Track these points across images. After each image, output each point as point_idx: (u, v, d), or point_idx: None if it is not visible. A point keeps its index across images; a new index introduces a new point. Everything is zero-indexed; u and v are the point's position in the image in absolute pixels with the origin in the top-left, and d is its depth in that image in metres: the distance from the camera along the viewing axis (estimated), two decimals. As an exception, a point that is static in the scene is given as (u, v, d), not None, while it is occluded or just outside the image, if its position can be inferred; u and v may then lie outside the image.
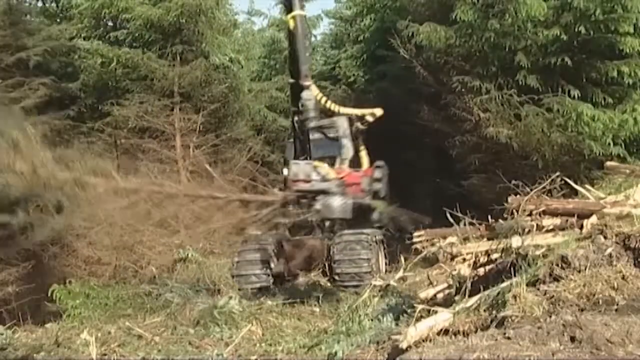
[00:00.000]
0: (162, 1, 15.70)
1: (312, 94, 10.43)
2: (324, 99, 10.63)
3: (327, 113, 11.60)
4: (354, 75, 18.74)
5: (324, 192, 10.32)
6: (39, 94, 13.06)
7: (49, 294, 11.84)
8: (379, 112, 10.94)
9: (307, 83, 10.30)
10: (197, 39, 16.15)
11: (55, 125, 13.71)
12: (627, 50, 11.47)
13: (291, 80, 11.26)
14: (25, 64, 13.62)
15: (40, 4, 19.24)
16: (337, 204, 10.31)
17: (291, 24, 10.39)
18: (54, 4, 19.13)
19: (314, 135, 11.86)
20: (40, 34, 14.57)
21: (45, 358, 7.43)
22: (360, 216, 10.77)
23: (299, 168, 10.66)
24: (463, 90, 12.63)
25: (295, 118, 11.48)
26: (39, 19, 17.69)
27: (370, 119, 10.94)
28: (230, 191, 9.57)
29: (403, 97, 15.37)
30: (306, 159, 11.74)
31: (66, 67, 16.91)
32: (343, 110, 10.91)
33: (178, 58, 15.80)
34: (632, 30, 11.32)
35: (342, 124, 10.89)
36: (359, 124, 10.94)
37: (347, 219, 10.58)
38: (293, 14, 10.33)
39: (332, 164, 12.19)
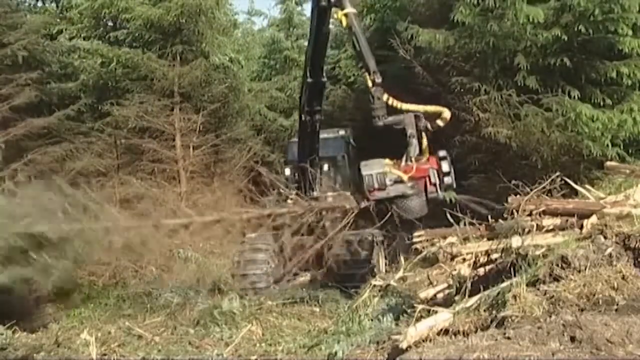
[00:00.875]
0: (162, 1, 15.71)
1: (382, 90, 10.29)
2: (388, 96, 10.54)
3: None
4: (354, 75, 18.70)
5: (401, 197, 10.44)
6: (29, 91, 12.93)
7: (50, 294, 11.83)
8: (447, 113, 10.74)
9: (378, 80, 10.16)
10: (197, 39, 16.17)
11: (53, 124, 13.67)
12: (626, 51, 11.48)
13: (310, 80, 11.15)
14: (11, 60, 13.50)
15: (40, 4, 19.28)
16: (415, 204, 10.46)
17: (344, 22, 10.30)
18: (53, 4, 19.14)
19: (321, 135, 11.86)
20: (22, 28, 14.43)
21: (45, 358, 7.44)
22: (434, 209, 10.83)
23: (372, 178, 10.74)
24: (462, 90, 12.64)
25: (308, 118, 11.42)
26: (26, 14, 17.62)
27: (440, 124, 10.81)
28: (307, 204, 10.10)
29: (403, 98, 15.34)
30: (314, 158, 11.76)
31: (66, 67, 16.91)
32: (406, 107, 10.75)
33: (178, 58, 15.82)
34: (631, 31, 11.33)
35: (410, 121, 10.76)
36: (428, 125, 10.81)
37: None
38: (345, 11, 10.20)
39: (335, 164, 12.21)
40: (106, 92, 16.57)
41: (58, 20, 17.86)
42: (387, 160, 10.93)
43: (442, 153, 11.25)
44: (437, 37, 12.85)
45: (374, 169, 10.95)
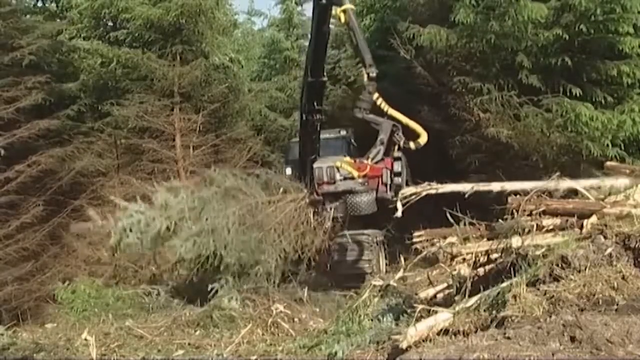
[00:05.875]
0: (162, 1, 15.70)
1: (375, 86, 10.32)
2: (379, 96, 10.56)
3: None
4: (354, 75, 18.68)
5: (350, 192, 10.42)
6: (35, 94, 12.95)
7: (50, 294, 11.84)
8: (424, 140, 10.74)
9: (373, 74, 10.15)
10: (197, 39, 16.15)
11: (54, 125, 13.65)
12: (627, 50, 11.49)
13: (310, 79, 11.16)
14: (20, 63, 13.51)
15: (40, 3, 19.26)
16: (363, 201, 10.43)
17: (342, 18, 10.35)
18: (54, 4, 19.13)
19: (323, 135, 11.87)
20: (34, 32, 14.46)
21: (45, 358, 7.44)
22: (383, 209, 10.82)
23: (322, 171, 10.73)
24: (463, 90, 12.64)
25: (309, 117, 11.42)
26: (34, 17, 17.64)
27: (413, 146, 10.81)
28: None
29: (403, 97, 15.32)
30: (315, 158, 11.77)
31: (66, 67, 16.90)
32: (392, 112, 10.75)
33: (178, 58, 15.80)
34: (631, 31, 11.35)
35: (388, 128, 10.75)
36: (401, 142, 10.81)
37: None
38: (344, 7, 10.26)
39: None
40: (106, 92, 16.55)
41: (65, 22, 17.86)
42: (346, 158, 10.95)
43: (397, 154, 11.26)
44: (438, 36, 12.83)
45: (326, 163, 10.98)
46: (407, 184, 11.36)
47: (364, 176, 10.72)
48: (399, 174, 11.31)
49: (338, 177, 10.74)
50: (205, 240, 9.37)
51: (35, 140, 13.08)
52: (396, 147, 11.01)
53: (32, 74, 13.41)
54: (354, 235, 10.63)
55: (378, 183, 11.09)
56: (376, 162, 10.79)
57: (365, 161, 10.66)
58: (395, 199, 10.74)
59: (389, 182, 11.29)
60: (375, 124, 10.66)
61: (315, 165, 11.08)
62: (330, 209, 10.44)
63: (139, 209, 9.91)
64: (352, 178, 10.67)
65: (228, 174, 10.23)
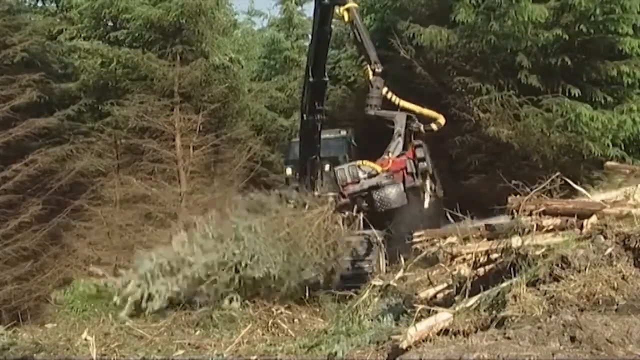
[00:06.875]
0: (162, 1, 15.71)
1: (383, 82, 10.31)
2: (388, 90, 10.52)
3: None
4: (354, 75, 18.68)
5: (376, 188, 10.36)
6: (30, 92, 12.90)
7: (50, 294, 11.84)
8: (442, 120, 10.69)
9: (379, 70, 10.11)
10: (197, 39, 16.16)
11: (53, 125, 13.65)
12: (627, 51, 11.51)
13: (312, 79, 11.16)
14: (12, 60, 13.47)
15: (40, 4, 19.26)
16: (392, 193, 10.34)
17: (346, 17, 10.39)
18: (54, 4, 19.13)
19: (323, 135, 11.87)
20: (25, 29, 14.41)
21: (45, 358, 7.45)
22: (415, 198, 10.77)
23: (344, 172, 10.69)
24: (463, 90, 12.65)
25: (310, 117, 11.42)
26: (34, 17, 17.63)
27: (435, 127, 10.75)
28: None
29: (403, 97, 15.34)
30: (315, 158, 11.75)
31: (66, 67, 16.90)
32: (404, 104, 10.69)
33: (178, 58, 15.80)
34: (631, 31, 11.36)
35: (402, 120, 10.70)
36: (420, 128, 10.76)
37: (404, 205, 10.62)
38: (347, 6, 10.32)
39: (336, 165, 12.21)
40: (106, 92, 16.55)
41: (58, 20, 17.84)
42: (365, 161, 10.95)
43: (417, 142, 11.23)
44: (438, 36, 12.85)
45: (347, 165, 10.97)
46: (432, 172, 11.36)
47: (387, 171, 10.67)
48: (422, 159, 11.24)
49: (361, 175, 10.66)
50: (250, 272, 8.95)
51: (34, 140, 13.07)
52: (413, 136, 10.98)
53: (27, 72, 13.39)
54: (353, 235, 10.61)
55: (403, 175, 11.01)
56: (397, 156, 10.76)
57: (387, 157, 10.63)
58: (424, 184, 10.77)
59: (414, 171, 11.22)
60: (389, 118, 10.65)
61: (336, 168, 11.05)
62: (360, 208, 10.34)
63: (158, 254, 9.34)
64: (376, 174, 10.60)
65: (255, 197, 9.85)
